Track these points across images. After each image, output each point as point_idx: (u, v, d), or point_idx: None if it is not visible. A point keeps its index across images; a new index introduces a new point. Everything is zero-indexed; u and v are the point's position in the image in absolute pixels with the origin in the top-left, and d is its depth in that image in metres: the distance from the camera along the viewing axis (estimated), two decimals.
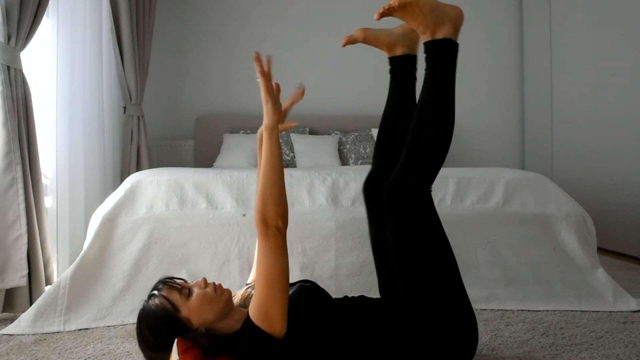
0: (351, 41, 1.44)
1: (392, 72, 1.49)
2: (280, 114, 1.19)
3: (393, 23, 1.43)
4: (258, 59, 1.17)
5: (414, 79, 1.49)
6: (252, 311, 1.12)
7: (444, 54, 1.27)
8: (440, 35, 1.26)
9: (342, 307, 1.27)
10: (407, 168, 1.25)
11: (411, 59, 1.48)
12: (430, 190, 1.27)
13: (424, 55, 1.31)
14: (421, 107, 1.28)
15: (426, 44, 1.29)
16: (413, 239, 1.23)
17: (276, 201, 1.12)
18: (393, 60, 1.48)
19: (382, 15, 1.25)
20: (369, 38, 1.45)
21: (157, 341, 1.14)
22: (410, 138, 1.27)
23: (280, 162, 1.16)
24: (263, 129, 1.18)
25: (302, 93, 1.30)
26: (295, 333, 1.13)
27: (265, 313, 1.10)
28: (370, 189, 1.45)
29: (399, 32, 1.46)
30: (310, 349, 1.15)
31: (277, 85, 1.24)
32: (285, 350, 1.12)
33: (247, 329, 1.12)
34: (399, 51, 1.46)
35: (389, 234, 1.28)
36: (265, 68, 1.18)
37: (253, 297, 1.14)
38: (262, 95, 1.18)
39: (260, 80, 1.18)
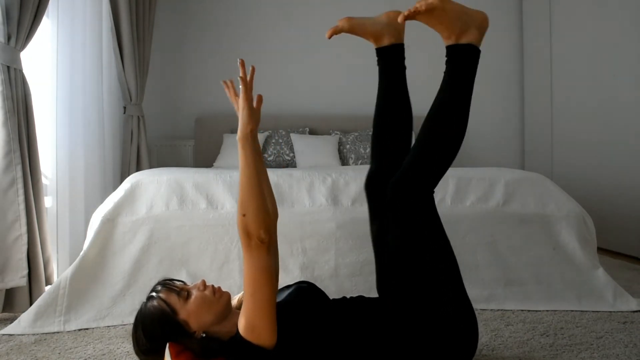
0: (336, 32, 1.38)
1: (380, 63, 1.44)
2: (255, 124, 1.18)
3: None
4: (243, 65, 1.19)
5: (404, 68, 1.44)
6: (240, 323, 1.10)
7: (466, 60, 1.25)
8: (464, 40, 1.24)
9: (339, 308, 1.26)
10: (415, 168, 1.25)
11: (399, 48, 1.42)
12: (433, 192, 1.27)
13: (445, 58, 1.28)
14: (436, 109, 1.26)
15: (449, 47, 1.26)
16: (414, 238, 1.23)
17: (255, 213, 1.09)
18: (381, 51, 1.43)
19: (407, 18, 1.19)
20: (354, 27, 1.39)
21: (153, 344, 1.13)
22: (422, 138, 1.26)
23: (256, 172, 1.13)
24: (237, 139, 1.17)
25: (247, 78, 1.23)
26: (288, 340, 1.11)
27: (252, 326, 1.08)
28: (373, 188, 1.43)
29: (384, 21, 1.39)
30: (306, 355, 1.14)
31: (260, 97, 1.25)
32: (278, 359, 1.10)
33: (237, 340, 1.10)
34: (386, 41, 1.40)
35: (390, 232, 1.27)
36: (249, 77, 1.20)
37: (242, 309, 1.12)
38: (240, 102, 1.18)
39: (240, 86, 1.19)
